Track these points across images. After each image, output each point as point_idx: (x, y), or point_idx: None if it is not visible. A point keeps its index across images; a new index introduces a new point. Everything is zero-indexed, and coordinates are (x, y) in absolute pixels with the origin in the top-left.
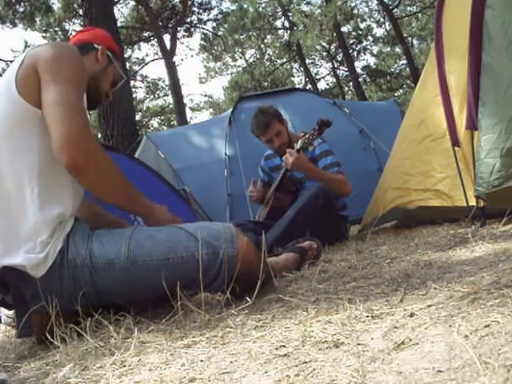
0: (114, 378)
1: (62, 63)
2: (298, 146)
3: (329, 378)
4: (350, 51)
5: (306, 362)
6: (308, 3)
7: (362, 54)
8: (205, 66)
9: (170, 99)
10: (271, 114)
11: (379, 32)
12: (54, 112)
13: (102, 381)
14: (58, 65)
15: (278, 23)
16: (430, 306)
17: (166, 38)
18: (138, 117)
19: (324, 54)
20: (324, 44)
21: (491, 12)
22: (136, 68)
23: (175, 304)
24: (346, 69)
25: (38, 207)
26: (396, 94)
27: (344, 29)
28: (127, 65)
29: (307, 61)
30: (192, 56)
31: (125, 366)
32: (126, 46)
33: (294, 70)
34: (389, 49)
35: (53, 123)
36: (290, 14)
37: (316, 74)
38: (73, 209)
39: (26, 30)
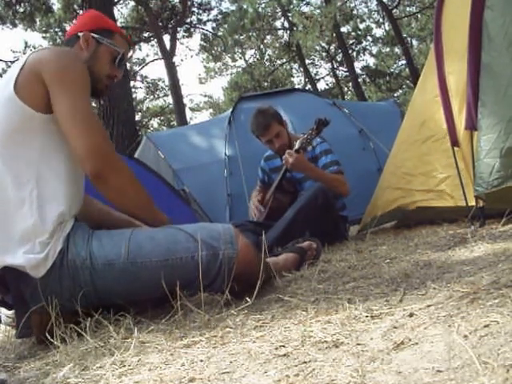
0: (113, 377)
1: (70, 73)
2: (296, 146)
3: (328, 377)
4: (350, 51)
5: (305, 362)
6: (308, 4)
7: (362, 54)
8: (205, 67)
9: (169, 99)
10: (271, 114)
11: (379, 32)
12: (74, 124)
13: (102, 381)
14: (67, 76)
15: (278, 24)
16: (429, 306)
17: (166, 38)
18: (137, 117)
19: (323, 54)
20: (323, 44)
21: (491, 13)
22: (136, 68)
23: (175, 304)
24: (345, 69)
25: (37, 208)
26: (395, 95)
27: (343, 29)
28: (127, 65)
29: (307, 61)
30: (192, 56)
31: (125, 365)
32: None
33: (294, 71)
34: (388, 49)
35: (74, 135)
36: (289, 14)
37: (315, 74)
38: (73, 210)
39: (26, 30)
